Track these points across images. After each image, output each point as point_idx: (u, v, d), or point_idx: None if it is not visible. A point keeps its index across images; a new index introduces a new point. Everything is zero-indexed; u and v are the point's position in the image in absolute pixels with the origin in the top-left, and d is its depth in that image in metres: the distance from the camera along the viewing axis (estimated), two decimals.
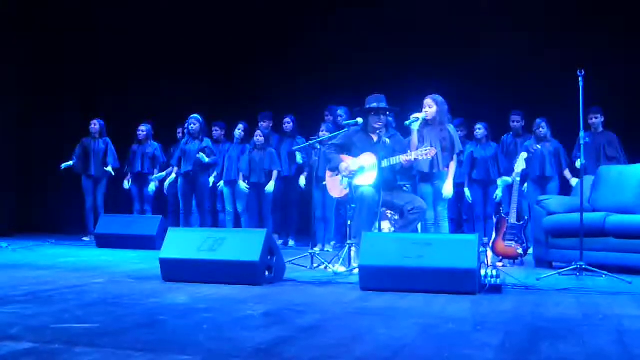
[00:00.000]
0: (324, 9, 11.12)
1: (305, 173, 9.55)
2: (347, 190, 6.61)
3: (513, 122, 9.44)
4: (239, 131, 9.97)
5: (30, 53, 12.35)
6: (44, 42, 12.39)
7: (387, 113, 6.81)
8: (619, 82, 9.19)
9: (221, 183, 10.05)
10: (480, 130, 9.45)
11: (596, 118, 8.76)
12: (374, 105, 6.64)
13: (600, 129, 8.81)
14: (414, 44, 10.53)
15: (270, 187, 9.64)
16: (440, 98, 6.97)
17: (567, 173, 8.89)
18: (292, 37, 11.36)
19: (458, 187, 9.10)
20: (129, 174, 10.64)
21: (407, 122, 6.92)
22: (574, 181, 8.69)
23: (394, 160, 6.39)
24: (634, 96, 9.39)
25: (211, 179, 10.00)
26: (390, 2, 10.80)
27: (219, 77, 11.85)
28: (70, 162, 10.58)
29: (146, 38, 11.80)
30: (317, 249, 8.23)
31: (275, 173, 9.67)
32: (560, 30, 9.81)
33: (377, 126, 6.62)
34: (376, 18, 10.87)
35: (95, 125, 10.61)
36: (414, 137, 6.82)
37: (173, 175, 10.02)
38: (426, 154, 6.29)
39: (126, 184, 10.65)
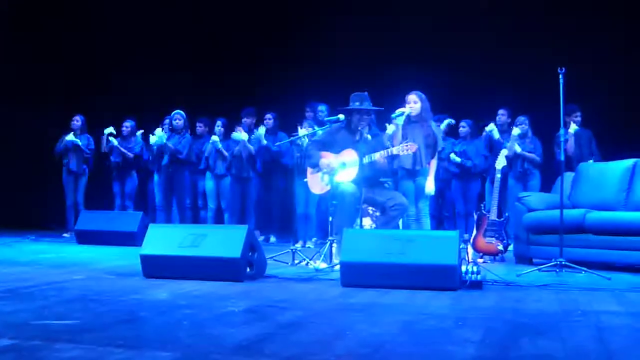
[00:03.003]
0: (308, 8, 11.11)
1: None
2: (329, 187, 6.61)
3: (501, 115, 9.37)
4: (218, 128, 9.95)
5: (13, 50, 12.26)
6: (26, 39, 12.30)
7: (370, 112, 6.81)
8: (597, 81, 9.24)
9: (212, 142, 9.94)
10: (464, 128, 9.46)
11: (580, 117, 8.79)
12: (357, 104, 6.64)
13: (578, 127, 8.86)
14: (397, 42, 10.53)
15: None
16: (423, 95, 6.98)
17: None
18: (276, 34, 11.35)
19: (440, 183, 9.14)
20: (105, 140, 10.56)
21: (393, 115, 6.91)
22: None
23: (375, 156, 6.40)
24: (612, 94, 9.45)
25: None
26: (374, 1, 10.81)
27: (203, 74, 11.81)
28: (77, 141, 10.46)
29: (130, 34, 11.74)
30: (298, 246, 8.23)
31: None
32: (542, 29, 9.87)
33: (360, 124, 6.63)
34: (360, 16, 10.85)
35: (78, 121, 10.54)
36: (398, 133, 6.81)
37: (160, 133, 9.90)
38: (407, 149, 6.31)
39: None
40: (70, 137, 10.28)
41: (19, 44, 12.30)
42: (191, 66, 11.81)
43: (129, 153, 10.38)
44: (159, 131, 9.75)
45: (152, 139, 9.78)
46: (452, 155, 9.31)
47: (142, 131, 10.43)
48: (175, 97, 10.64)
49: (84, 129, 10.58)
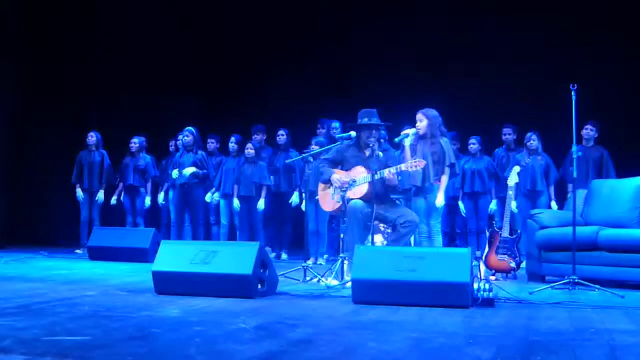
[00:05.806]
0: (318, 25, 11.16)
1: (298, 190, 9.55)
2: (340, 204, 6.61)
3: (505, 135, 9.44)
4: (232, 144, 9.96)
5: (22, 65, 12.36)
6: (38, 53, 12.39)
7: (379, 127, 6.84)
8: (610, 97, 9.23)
9: (216, 195, 9.99)
10: (474, 145, 9.44)
11: (591, 130, 8.74)
12: (365, 120, 6.67)
13: (592, 142, 8.81)
14: (408, 59, 10.57)
15: (261, 204, 9.59)
16: (432, 112, 7.00)
17: (551, 190, 8.96)
18: (286, 50, 11.39)
19: (452, 200, 9.12)
20: (121, 186, 10.63)
21: (396, 139, 7.00)
22: (554, 204, 8.81)
23: (384, 172, 6.41)
24: (625, 111, 9.43)
25: (209, 195, 9.97)
26: (385, 19, 10.84)
27: (214, 90, 11.85)
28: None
29: (140, 51, 11.81)
30: (309, 262, 8.20)
31: (264, 189, 9.63)
32: (553, 45, 9.87)
33: (369, 141, 6.64)
34: (370, 34, 10.90)
35: (93, 137, 10.56)
36: (407, 153, 6.85)
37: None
38: (415, 166, 6.32)
39: (113, 200, 10.64)
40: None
41: (29, 58, 12.39)
42: (201, 84, 11.85)
43: (143, 185, 10.54)
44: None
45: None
46: (461, 206, 9.38)
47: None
48: (186, 113, 10.69)
49: (99, 145, 10.60)
